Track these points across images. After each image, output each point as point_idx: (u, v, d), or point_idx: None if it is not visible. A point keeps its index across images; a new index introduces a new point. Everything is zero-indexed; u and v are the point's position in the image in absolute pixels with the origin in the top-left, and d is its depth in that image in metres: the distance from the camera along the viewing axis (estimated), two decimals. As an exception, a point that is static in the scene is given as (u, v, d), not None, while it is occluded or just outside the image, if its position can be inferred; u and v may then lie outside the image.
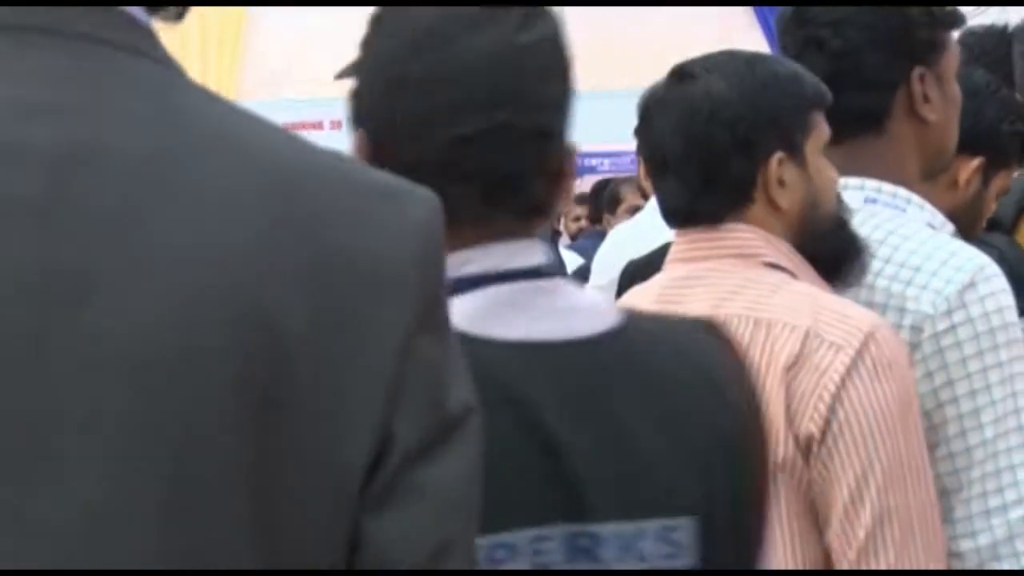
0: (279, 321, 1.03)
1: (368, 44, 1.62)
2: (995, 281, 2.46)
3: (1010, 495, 2.36)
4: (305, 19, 11.96)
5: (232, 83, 12.66)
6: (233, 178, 1.06)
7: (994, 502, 2.37)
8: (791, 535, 2.20)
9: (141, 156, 1.04)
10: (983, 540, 2.40)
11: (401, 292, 1.07)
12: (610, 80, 11.44)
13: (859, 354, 2.18)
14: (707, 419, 1.75)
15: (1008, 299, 2.50)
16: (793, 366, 2.20)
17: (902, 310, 2.45)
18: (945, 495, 2.36)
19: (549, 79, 1.58)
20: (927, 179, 2.64)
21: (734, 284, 2.30)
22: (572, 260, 7.06)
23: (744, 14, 13.26)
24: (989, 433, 2.37)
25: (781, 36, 2.70)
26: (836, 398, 2.17)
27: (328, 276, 1.05)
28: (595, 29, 13.19)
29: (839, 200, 2.39)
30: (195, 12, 1.28)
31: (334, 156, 1.14)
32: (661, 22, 13.16)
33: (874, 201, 2.61)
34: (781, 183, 2.28)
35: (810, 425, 2.17)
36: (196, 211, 1.03)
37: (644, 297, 2.44)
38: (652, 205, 5.27)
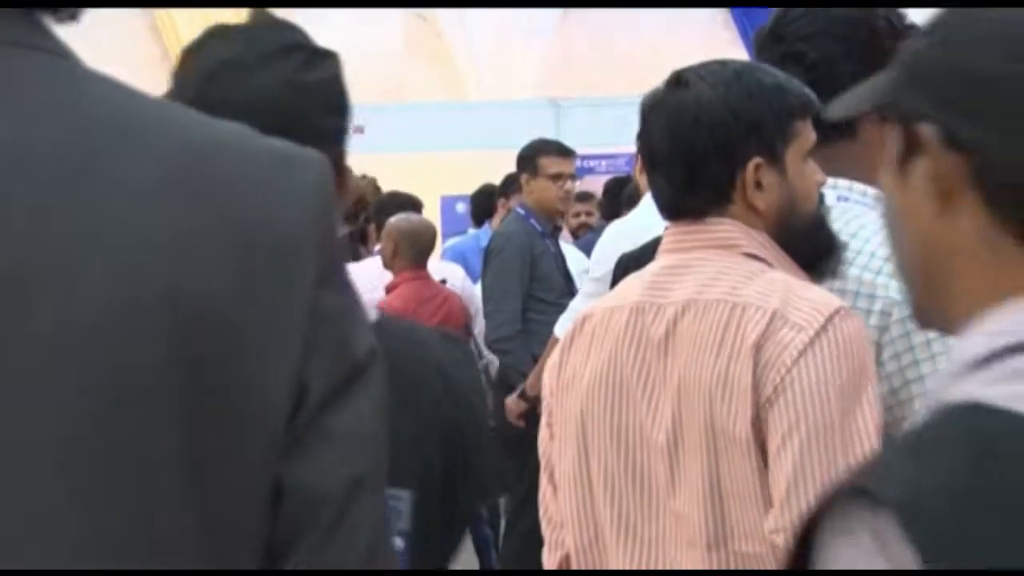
0: (202, 295, 1.07)
1: (177, 72, 1.85)
2: None
3: None
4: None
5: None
6: (144, 162, 1.08)
7: None
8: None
9: (53, 148, 1.06)
10: None
11: (304, 252, 1.11)
12: (606, 88, 11.79)
13: (818, 334, 2.34)
14: (430, 407, 2.11)
15: None
16: (760, 343, 2.36)
17: (872, 296, 2.67)
18: None
19: (329, 113, 1.81)
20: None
21: (715, 272, 2.45)
22: (575, 256, 7.14)
23: (728, 30, 14.11)
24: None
25: (759, 53, 2.83)
26: (790, 369, 2.34)
27: (241, 246, 1.10)
28: (594, 40, 13.67)
29: (820, 201, 2.53)
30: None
31: (232, 129, 1.17)
32: (652, 37, 13.94)
33: (846, 199, 2.82)
34: (759, 186, 2.43)
35: (767, 390, 2.33)
36: (113, 199, 1.06)
37: (636, 284, 2.58)
38: (647, 201, 5.32)
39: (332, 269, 1.15)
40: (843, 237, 2.76)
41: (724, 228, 2.51)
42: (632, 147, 6.71)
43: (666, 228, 2.65)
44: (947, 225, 1.22)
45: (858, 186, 2.80)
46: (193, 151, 1.11)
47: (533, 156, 6.71)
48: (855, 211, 2.73)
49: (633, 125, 2.76)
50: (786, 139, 2.47)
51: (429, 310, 6.51)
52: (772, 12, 2.89)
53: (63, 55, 1.12)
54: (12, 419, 1.04)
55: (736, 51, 12.31)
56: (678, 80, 2.47)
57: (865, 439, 2.39)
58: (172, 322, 1.06)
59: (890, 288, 2.63)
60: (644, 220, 5.49)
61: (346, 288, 1.18)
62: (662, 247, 2.63)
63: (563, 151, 6.81)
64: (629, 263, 3.66)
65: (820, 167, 2.73)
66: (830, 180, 2.76)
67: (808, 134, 2.53)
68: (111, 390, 1.05)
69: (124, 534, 1.07)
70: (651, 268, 2.57)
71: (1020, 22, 1.27)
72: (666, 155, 2.49)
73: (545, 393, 2.79)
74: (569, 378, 2.70)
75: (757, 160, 2.43)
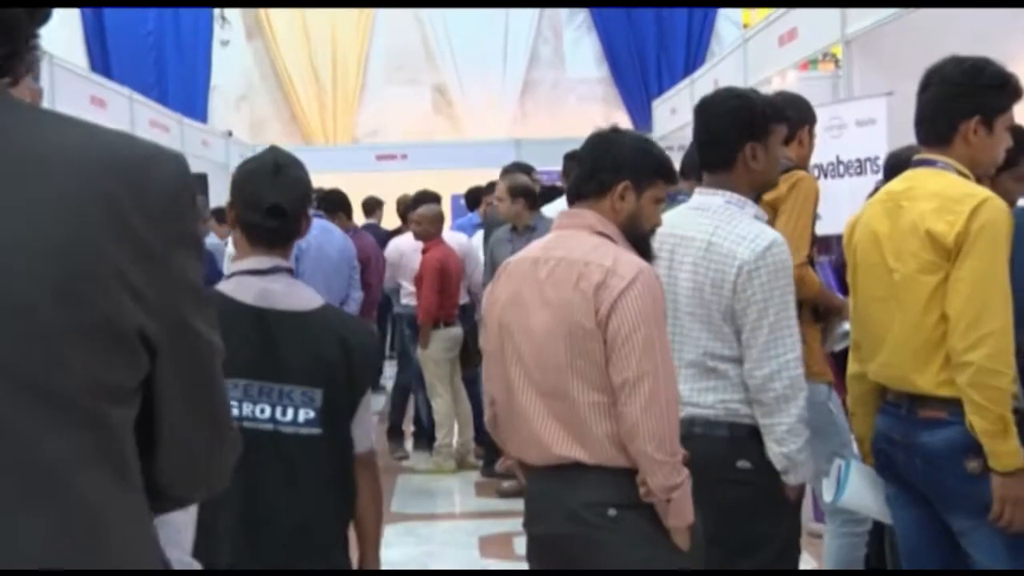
0: (98, 256, 1.27)
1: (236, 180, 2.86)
2: (781, 248, 3.29)
3: (778, 351, 3.24)
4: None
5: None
6: (49, 167, 1.28)
7: (771, 353, 3.24)
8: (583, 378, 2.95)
9: None
10: (765, 371, 3.25)
11: (162, 223, 1.33)
12: (551, 133, 15.16)
13: (631, 282, 2.87)
14: (334, 348, 2.78)
15: (787, 259, 3.28)
16: (599, 287, 2.88)
17: (734, 257, 3.25)
18: (745, 349, 3.26)
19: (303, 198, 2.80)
20: (753, 192, 3.50)
21: (577, 240, 3.00)
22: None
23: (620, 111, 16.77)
24: (768, 324, 3.24)
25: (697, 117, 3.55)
26: (616, 302, 2.87)
27: (125, 220, 1.29)
28: (542, 108, 17.33)
29: (652, 231, 3.11)
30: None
31: (114, 134, 1.35)
32: (585, 105, 17.09)
33: (730, 203, 3.39)
34: (622, 198, 3.04)
35: (604, 309, 2.88)
36: (24, 195, 1.26)
37: (538, 245, 3.17)
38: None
39: (184, 235, 1.38)
40: (727, 224, 3.32)
41: (587, 215, 3.04)
42: (556, 167, 8.28)
43: (561, 212, 3.25)
44: None
45: (735, 196, 3.39)
46: (89, 155, 1.30)
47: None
48: (732, 210, 3.37)
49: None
50: (645, 185, 3.05)
51: (448, 262, 7.99)
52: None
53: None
54: None
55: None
56: (615, 130, 3.20)
57: (661, 341, 2.89)
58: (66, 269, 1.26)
59: (743, 253, 3.24)
60: (559, 206, 7.11)
61: (193, 248, 1.39)
62: (555, 224, 3.20)
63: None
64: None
65: (714, 185, 3.43)
66: (723, 192, 3.42)
67: (661, 190, 3.09)
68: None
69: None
70: (548, 236, 3.14)
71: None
72: (582, 171, 3.13)
73: (483, 305, 3.33)
74: (494, 300, 3.15)
75: (626, 183, 3.02)
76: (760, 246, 3.20)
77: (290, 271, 2.84)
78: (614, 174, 3.00)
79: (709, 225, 3.33)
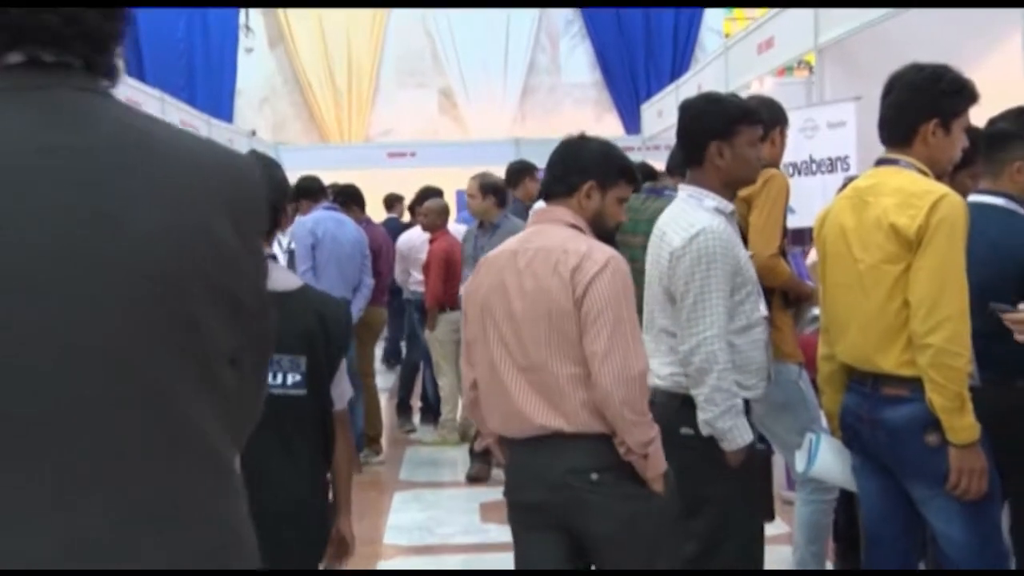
0: (224, 245, 1.36)
1: None
2: (709, 234, 3.34)
3: (698, 329, 3.34)
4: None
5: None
6: (174, 162, 1.35)
7: (693, 331, 3.35)
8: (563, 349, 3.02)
9: (111, 149, 1.32)
10: (686, 346, 3.36)
11: (251, 214, 1.43)
12: (544, 134, 14.75)
13: (603, 266, 2.97)
14: (314, 321, 2.91)
15: (714, 246, 3.34)
16: (575, 270, 2.99)
17: (669, 244, 3.42)
18: (691, 322, 3.33)
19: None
20: (727, 188, 3.56)
21: (552, 232, 3.13)
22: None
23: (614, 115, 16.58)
24: (688, 304, 3.36)
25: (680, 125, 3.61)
26: (590, 283, 2.97)
27: (232, 211, 1.38)
28: (537, 111, 16.96)
29: (617, 227, 3.25)
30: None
31: (207, 139, 1.47)
32: (580, 108, 16.86)
33: (691, 196, 3.55)
34: (588, 197, 3.16)
35: (579, 291, 2.97)
36: (161, 185, 1.33)
37: (516, 238, 3.23)
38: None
39: (262, 228, 1.49)
40: (679, 215, 3.46)
41: (560, 210, 3.19)
42: None
43: (535, 208, 3.50)
44: None
45: (696, 190, 3.53)
46: (198, 153, 1.40)
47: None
48: (692, 203, 3.51)
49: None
50: (610, 185, 3.17)
51: (453, 251, 7.87)
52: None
53: (109, 95, 1.38)
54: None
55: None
56: (582, 137, 3.30)
57: (630, 319, 2.99)
58: (202, 251, 1.34)
59: (676, 240, 3.39)
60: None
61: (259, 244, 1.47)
62: (532, 219, 3.31)
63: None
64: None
65: (689, 182, 3.53)
66: (688, 188, 3.54)
67: (623, 191, 3.19)
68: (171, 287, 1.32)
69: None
70: (528, 229, 3.24)
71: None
72: (553, 174, 3.23)
73: (463, 296, 3.46)
74: (475, 289, 3.22)
75: (591, 183, 3.15)
76: (688, 235, 3.29)
77: (273, 257, 2.99)
78: (581, 176, 3.11)
79: (667, 216, 3.48)
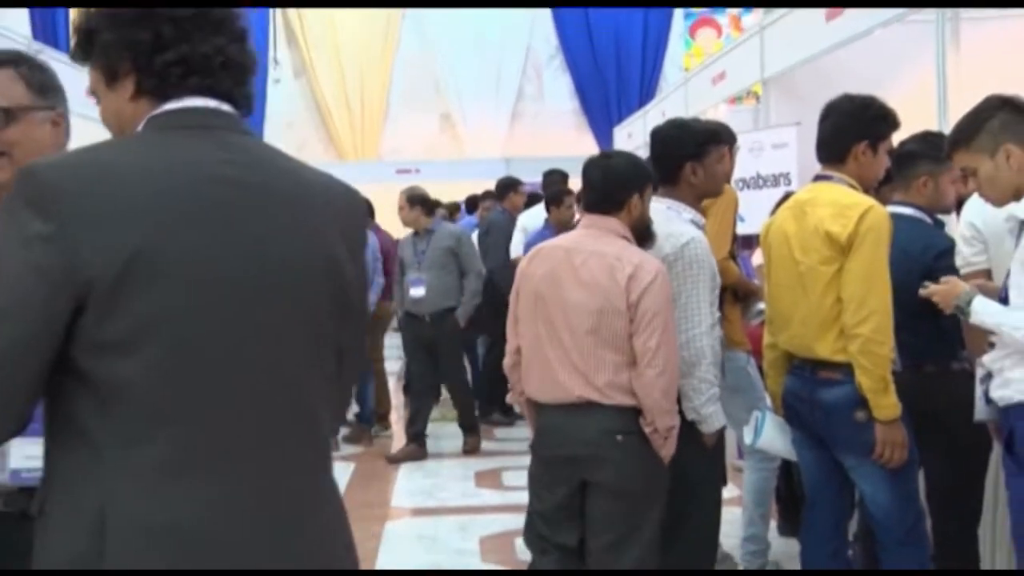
0: (340, 263, 1.42)
1: None
2: (699, 243, 3.28)
3: (687, 326, 3.25)
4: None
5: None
6: (307, 190, 1.42)
7: (682, 327, 3.24)
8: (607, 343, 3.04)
9: (276, 186, 1.39)
10: (691, 333, 3.24)
11: (358, 238, 1.48)
12: (534, 152, 14.43)
13: (655, 277, 3.01)
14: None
15: (702, 253, 3.26)
16: (631, 278, 3.00)
17: (661, 251, 3.28)
18: (683, 319, 3.25)
19: None
20: (698, 201, 3.56)
21: (607, 241, 3.12)
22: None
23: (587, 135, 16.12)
24: (680, 304, 3.24)
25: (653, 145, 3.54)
26: (644, 291, 3.00)
27: (345, 235, 1.45)
28: (527, 133, 16.61)
29: (650, 223, 3.21)
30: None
31: (324, 172, 1.50)
32: (567, 132, 16.08)
33: (670, 208, 3.45)
34: (635, 207, 3.15)
35: (634, 299, 2.99)
36: (301, 212, 1.39)
37: (567, 237, 3.26)
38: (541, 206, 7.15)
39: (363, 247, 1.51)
40: (664, 225, 3.30)
41: (613, 223, 3.16)
42: (537, 179, 8.38)
43: (579, 216, 3.42)
44: None
45: (676, 204, 3.47)
46: (323, 184, 1.46)
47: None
48: (671, 214, 3.43)
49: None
50: (645, 191, 3.19)
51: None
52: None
53: (252, 134, 1.41)
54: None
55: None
56: (606, 154, 3.28)
57: (672, 321, 3.07)
58: (327, 271, 1.41)
59: (668, 249, 3.26)
60: (538, 211, 7.49)
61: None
62: (582, 223, 3.25)
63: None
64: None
65: (664, 196, 3.41)
66: (667, 201, 3.43)
67: (651, 192, 3.21)
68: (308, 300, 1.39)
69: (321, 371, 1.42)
70: (576, 231, 3.24)
71: None
72: (595, 187, 3.21)
73: (516, 278, 3.28)
74: (529, 274, 3.20)
75: (637, 196, 3.16)
76: (680, 243, 3.21)
77: None
78: (625, 191, 3.11)
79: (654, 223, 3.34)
